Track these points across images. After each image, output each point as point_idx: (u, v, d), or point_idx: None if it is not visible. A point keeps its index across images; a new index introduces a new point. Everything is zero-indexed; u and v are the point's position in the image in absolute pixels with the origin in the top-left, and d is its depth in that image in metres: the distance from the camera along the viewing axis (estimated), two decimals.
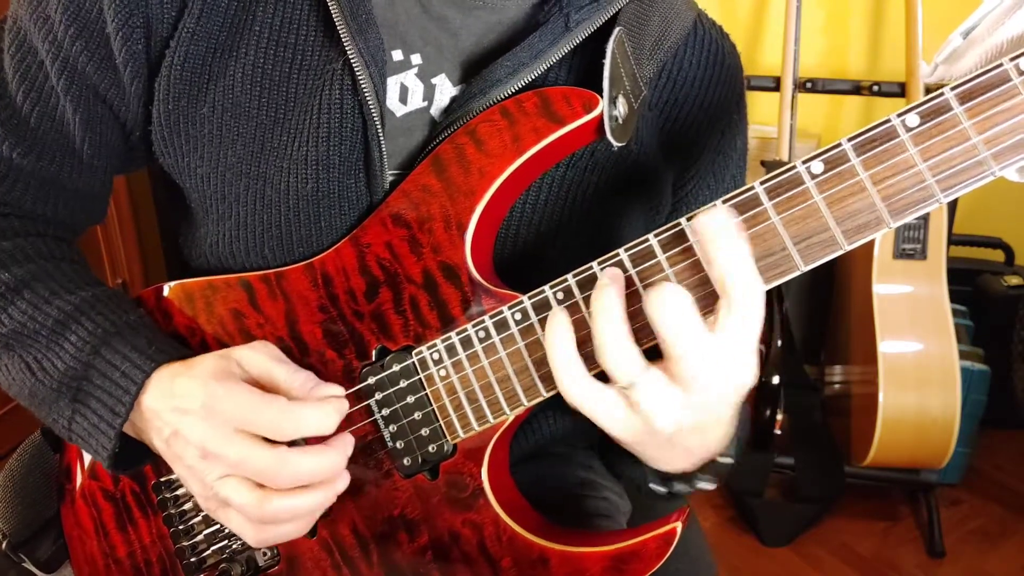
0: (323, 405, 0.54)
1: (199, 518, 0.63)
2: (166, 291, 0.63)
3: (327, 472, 0.54)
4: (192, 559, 0.64)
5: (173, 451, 0.55)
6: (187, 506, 0.64)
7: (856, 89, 1.83)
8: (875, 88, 1.78)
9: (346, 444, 0.56)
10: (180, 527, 0.63)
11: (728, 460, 0.57)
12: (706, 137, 0.66)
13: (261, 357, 0.55)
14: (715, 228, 0.44)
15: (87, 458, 0.67)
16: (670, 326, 0.44)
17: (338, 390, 0.56)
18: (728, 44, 0.68)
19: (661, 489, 0.62)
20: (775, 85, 1.79)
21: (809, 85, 1.81)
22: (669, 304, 0.43)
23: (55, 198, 0.65)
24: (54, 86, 0.59)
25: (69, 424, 0.58)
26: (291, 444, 0.53)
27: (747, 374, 0.46)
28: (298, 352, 0.59)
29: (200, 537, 0.63)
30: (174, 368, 0.56)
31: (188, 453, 0.53)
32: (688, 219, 0.48)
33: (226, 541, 0.63)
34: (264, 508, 0.53)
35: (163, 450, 0.56)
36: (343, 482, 0.56)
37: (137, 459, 0.60)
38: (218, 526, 0.63)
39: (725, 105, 0.66)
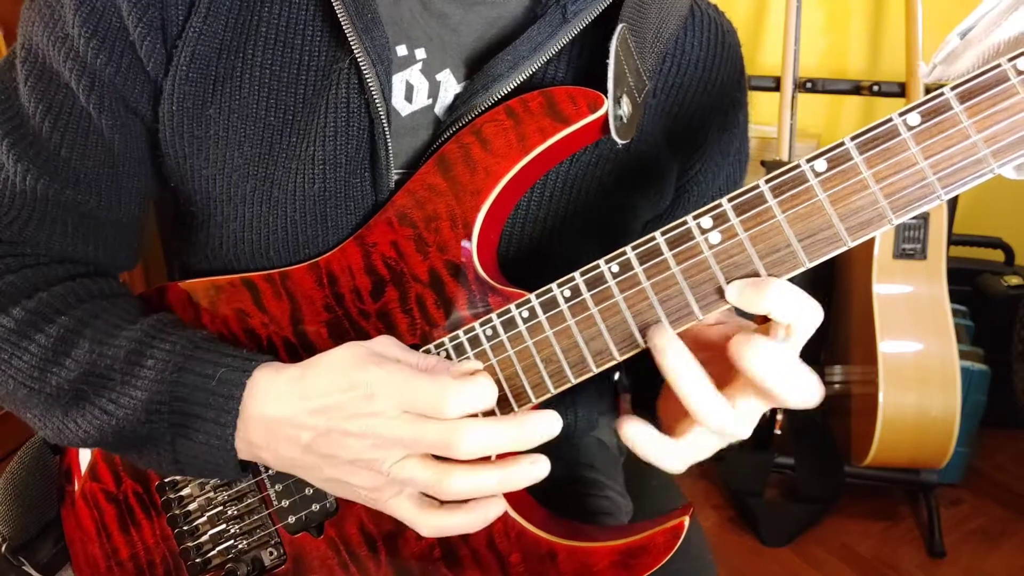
0: (478, 379, 0.50)
1: (204, 519, 0.63)
2: (169, 291, 0.63)
3: (503, 440, 0.49)
4: (197, 559, 0.64)
5: (318, 455, 0.51)
6: (192, 506, 0.64)
7: (856, 89, 1.83)
8: (875, 88, 1.79)
9: (534, 421, 0.50)
10: (185, 527, 0.64)
11: None
12: (712, 117, 0.66)
13: (392, 347, 0.52)
14: (743, 286, 0.47)
15: (86, 460, 0.66)
16: (775, 380, 0.45)
17: (476, 363, 0.53)
18: (726, 22, 0.68)
19: None
20: (775, 85, 1.80)
21: (809, 85, 1.82)
22: (776, 363, 0.45)
23: (94, 234, 0.63)
24: (84, 107, 0.57)
25: (173, 448, 0.54)
26: None
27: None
28: (304, 352, 0.59)
29: (205, 537, 0.63)
30: (290, 372, 0.52)
31: (351, 448, 0.50)
32: (694, 217, 0.48)
33: (231, 541, 0.63)
34: (445, 481, 0.49)
35: (297, 459, 0.53)
36: (540, 467, 0.51)
37: (248, 461, 0.57)
38: (223, 526, 0.63)
39: (728, 84, 0.67)
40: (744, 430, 0.48)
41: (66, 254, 0.63)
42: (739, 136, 0.70)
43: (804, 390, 0.46)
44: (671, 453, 0.49)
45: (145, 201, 0.65)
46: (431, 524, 0.52)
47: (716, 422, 0.47)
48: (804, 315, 0.46)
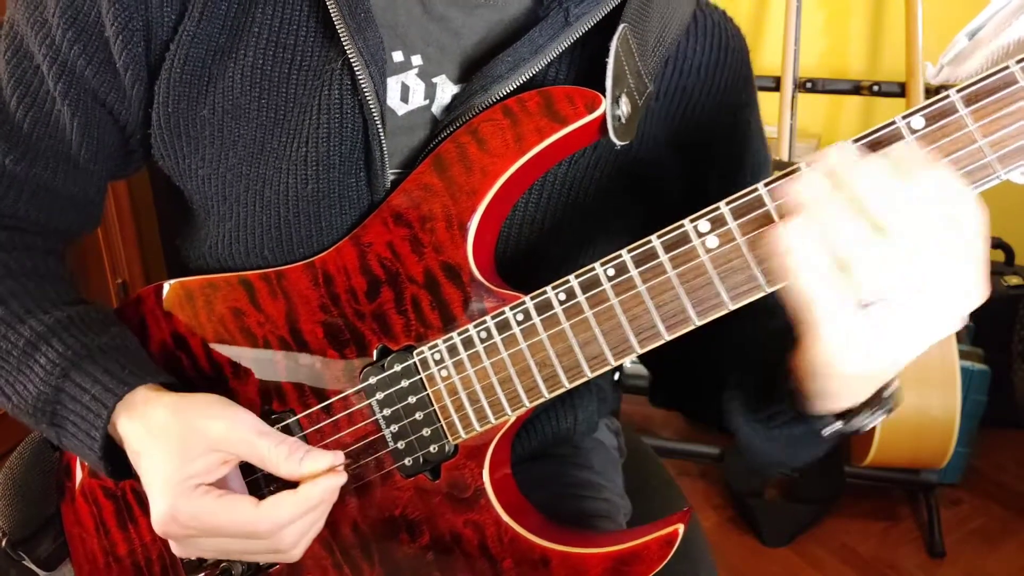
0: (288, 500, 0.52)
1: None
2: (166, 289, 0.63)
3: (316, 516, 0.54)
4: (192, 557, 0.63)
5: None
6: None
7: (856, 89, 1.83)
8: (875, 88, 1.78)
9: (333, 460, 0.54)
10: None
11: (898, 385, 0.53)
12: (719, 123, 0.65)
13: (242, 432, 0.53)
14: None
15: None
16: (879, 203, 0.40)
17: (328, 459, 0.54)
18: (732, 27, 0.67)
19: (838, 424, 0.54)
20: (775, 85, 1.79)
21: (809, 85, 1.81)
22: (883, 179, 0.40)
23: (49, 205, 0.64)
24: (50, 91, 0.59)
25: (59, 442, 0.59)
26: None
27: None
28: (299, 351, 0.59)
29: None
30: (135, 428, 0.55)
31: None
32: (691, 221, 0.48)
33: None
34: (283, 555, 0.54)
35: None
36: (341, 477, 0.55)
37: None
38: None
39: (733, 88, 0.66)
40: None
41: (18, 217, 0.64)
42: (754, 140, 0.68)
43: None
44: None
45: (105, 182, 0.67)
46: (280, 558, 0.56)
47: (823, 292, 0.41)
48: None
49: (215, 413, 0.54)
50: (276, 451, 0.53)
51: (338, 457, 0.54)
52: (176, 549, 0.55)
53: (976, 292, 0.42)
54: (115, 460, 0.58)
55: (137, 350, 0.61)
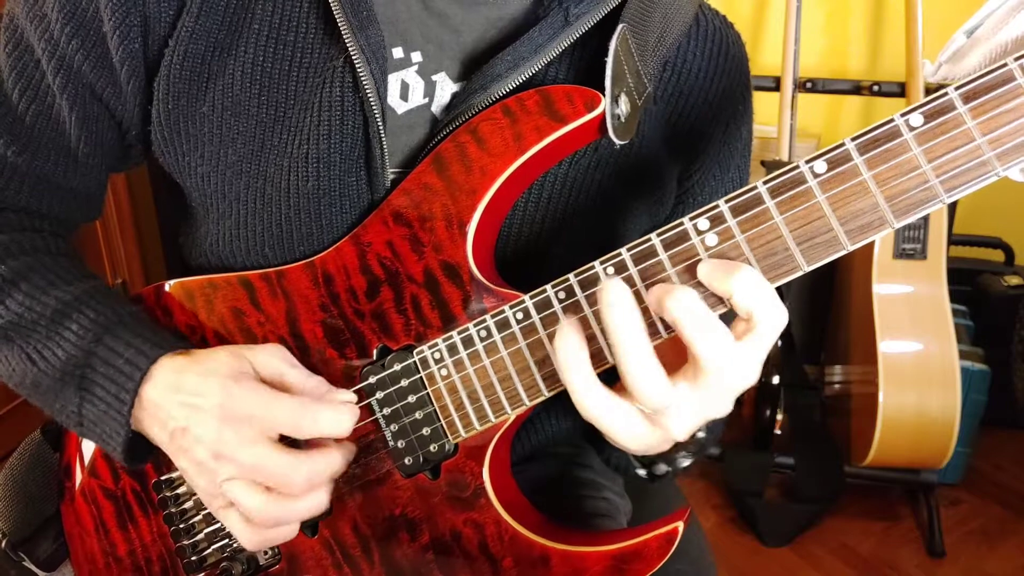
0: (339, 407, 0.54)
1: (200, 516, 0.63)
2: (166, 289, 0.63)
3: (336, 475, 0.55)
4: (193, 557, 0.63)
5: (178, 445, 0.55)
6: (188, 504, 0.63)
7: (856, 89, 1.83)
8: (875, 88, 1.78)
9: (349, 449, 0.56)
10: (181, 525, 0.63)
11: (703, 435, 0.57)
12: (712, 128, 0.66)
13: (275, 360, 0.56)
14: (715, 265, 0.46)
15: (87, 456, 0.66)
16: (694, 330, 0.44)
17: (350, 396, 0.56)
18: (733, 34, 0.67)
19: (642, 472, 0.62)
20: (775, 85, 1.79)
21: (809, 85, 1.81)
22: (694, 309, 0.44)
23: (50, 196, 0.65)
24: (50, 84, 0.59)
25: (79, 410, 0.58)
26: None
27: (757, 373, 0.46)
28: (299, 351, 0.59)
29: (201, 536, 0.63)
30: (179, 362, 0.56)
31: (198, 451, 0.53)
32: (691, 219, 0.48)
33: (227, 540, 0.63)
34: (271, 512, 0.53)
35: (164, 442, 0.56)
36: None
37: (147, 450, 0.60)
38: (219, 524, 0.63)
39: (730, 95, 0.66)
40: (675, 423, 0.46)
41: (20, 206, 0.65)
42: (740, 152, 0.68)
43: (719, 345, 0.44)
44: (593, 395, 0.46)
45: (106, 176, 0.68)
46: (254, 540, 0.56)
47: (646, 389, 0.44)
48: (765, 309, 0.44)
49: (250, 345, 0.57)
50: (305, 381, 0.56)
51: (353, 396, 0.57)
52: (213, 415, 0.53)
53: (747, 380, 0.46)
54: (134, 443, 0.58)
55: (159, 322, 0.62)
